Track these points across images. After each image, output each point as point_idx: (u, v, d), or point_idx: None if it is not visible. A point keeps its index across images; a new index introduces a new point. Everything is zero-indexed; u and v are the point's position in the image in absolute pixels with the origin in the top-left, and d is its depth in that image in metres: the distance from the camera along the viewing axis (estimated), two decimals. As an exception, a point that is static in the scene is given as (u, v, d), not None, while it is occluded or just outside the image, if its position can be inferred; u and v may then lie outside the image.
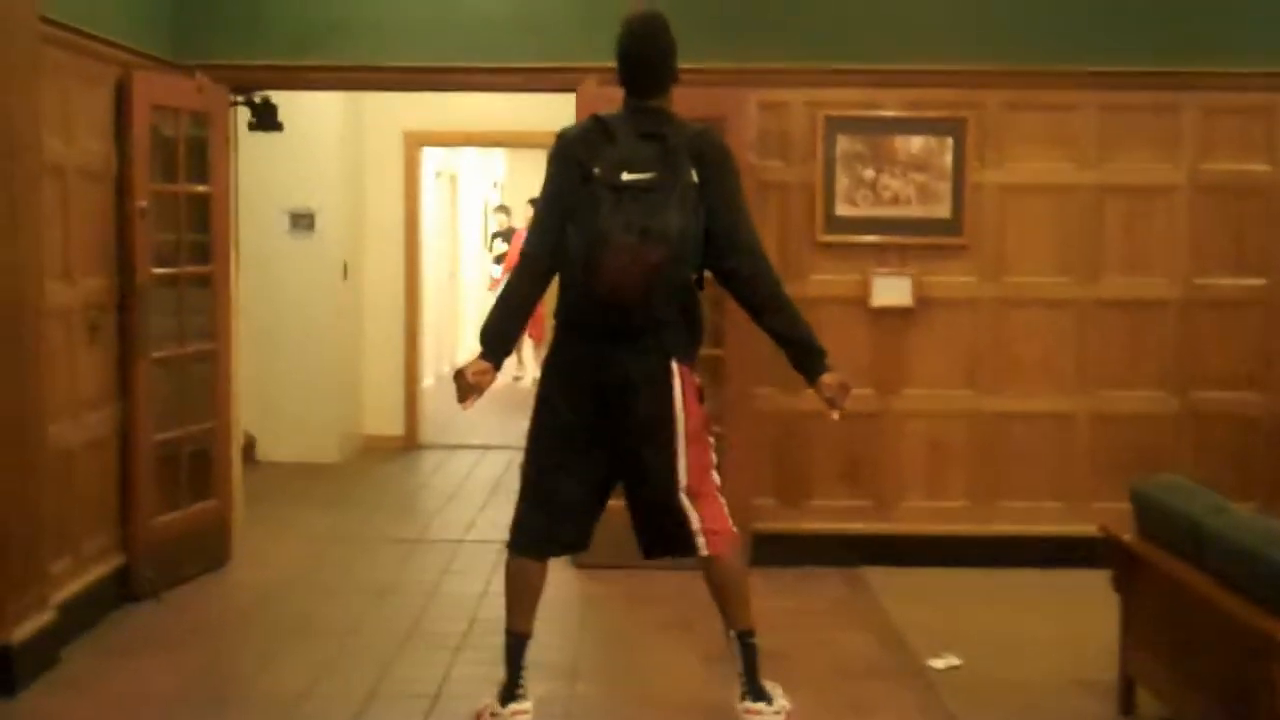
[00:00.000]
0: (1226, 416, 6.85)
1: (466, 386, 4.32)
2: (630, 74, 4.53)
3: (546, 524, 4.52)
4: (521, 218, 14.05)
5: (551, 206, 4.43)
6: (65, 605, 5.35)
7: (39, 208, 5.14)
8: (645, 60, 4.53)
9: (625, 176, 4.30)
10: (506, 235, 14.56)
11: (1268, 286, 6.82)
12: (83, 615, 5.58)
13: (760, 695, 4.56)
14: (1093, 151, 6.80)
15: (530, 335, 12.82)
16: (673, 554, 4.56)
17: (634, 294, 4.26)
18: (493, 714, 4.55)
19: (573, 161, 4.38)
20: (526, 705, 4.59)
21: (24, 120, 4.99)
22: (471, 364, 4.36)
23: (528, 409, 4.63)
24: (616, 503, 6.22)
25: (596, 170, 4.31)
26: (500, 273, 13.89)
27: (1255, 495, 6.51)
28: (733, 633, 4.59)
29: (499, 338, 4.44)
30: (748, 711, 4.54)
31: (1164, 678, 4.49)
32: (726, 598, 4.56)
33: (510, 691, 4.57)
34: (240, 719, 4.81)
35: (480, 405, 4.44)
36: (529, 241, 4.51)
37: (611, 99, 6.50)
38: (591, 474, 4.50)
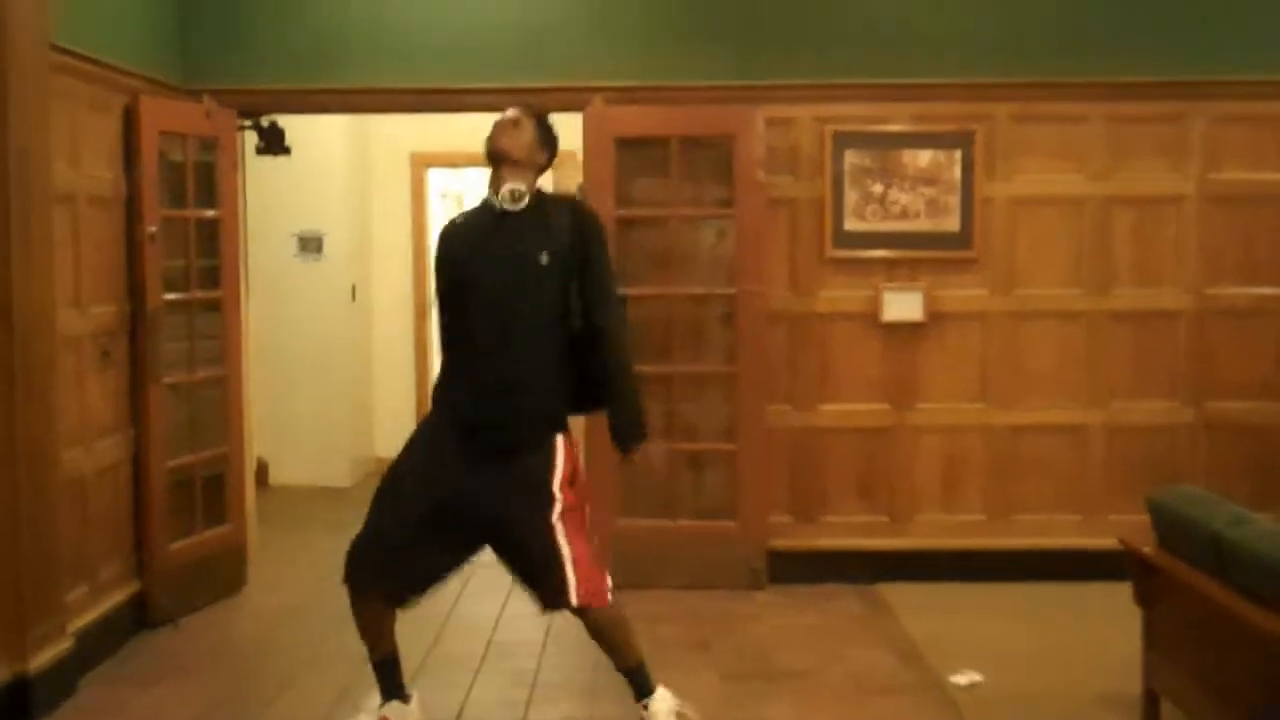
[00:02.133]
0: (1241, 426, 6.83)
1: None
2: None
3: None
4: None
5: None
6: (82, 633, 5.34)
7: (50, 235, 5.14)
8: None
9: None
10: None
11: (1281, 295, 6.82)
12: (100, 643, 5.56)
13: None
14: (1102, 163, 6.79)
15: None
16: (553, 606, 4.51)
17: None
18: (394, 714, 4.65)
19: None
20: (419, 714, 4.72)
21: (36, 149, 5.00)
22: None
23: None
24: (630, 523, 6.23)
25: None
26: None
27: (1272, 505, 6.46)
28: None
29: None
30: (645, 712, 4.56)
31: (1188, 690, 4.45)
32: (604, 643, 4.57)
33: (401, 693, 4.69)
34: (259, 745, 4.80)
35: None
36: None
37: (619, 119, 6.57)
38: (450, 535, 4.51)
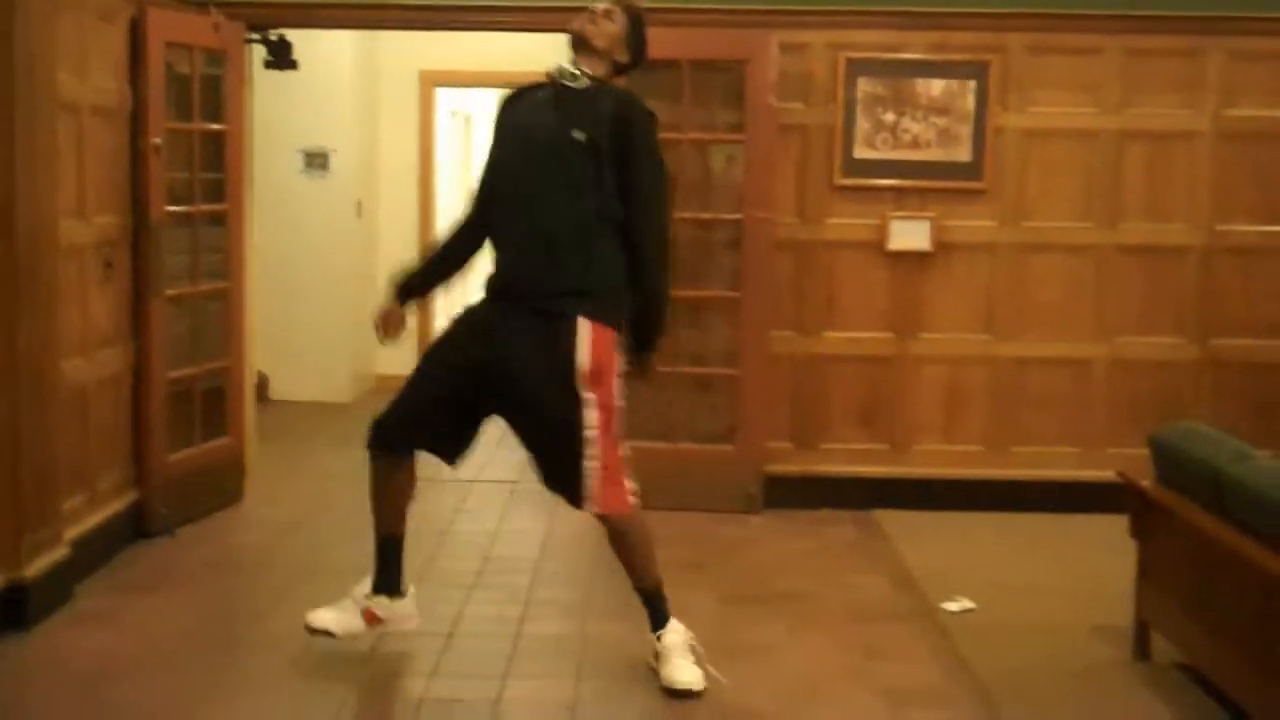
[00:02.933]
0: (1246, 364, 6.81)
1: (378, 330, 4.69)
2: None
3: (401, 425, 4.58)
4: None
5: None
6: (79, 541, 5.36)
7: (54, 145, 5.11)
8: None
9: None
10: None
11: (1291, 233, 6.77)
12: (97, 551, 5.59)
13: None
14: (1116, 96, 6.72)
15: None
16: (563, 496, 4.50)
17: None
18: (380, 609, 4.68)
19: None
20: (411, 606, 4.77)
21: (41, 57, 4.96)
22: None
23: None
24: (632, 445, 6.22)
25: None
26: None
27: (1273, 443, 6.42)
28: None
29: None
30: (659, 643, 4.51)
31: (1180, 623, 4.47)
32: (622, 556, 4.55)
33: (395, 588, 4.70)
34: (253, 656, 4.83)
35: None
36: None
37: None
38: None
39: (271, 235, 8.14)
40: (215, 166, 6.56)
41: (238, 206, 6.70)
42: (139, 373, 6.07)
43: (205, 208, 6.46)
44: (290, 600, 5.31)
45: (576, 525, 6.09)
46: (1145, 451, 4.80)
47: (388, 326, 4.67)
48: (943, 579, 5.64)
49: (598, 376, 4.33)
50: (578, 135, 4.32)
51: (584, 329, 4.32)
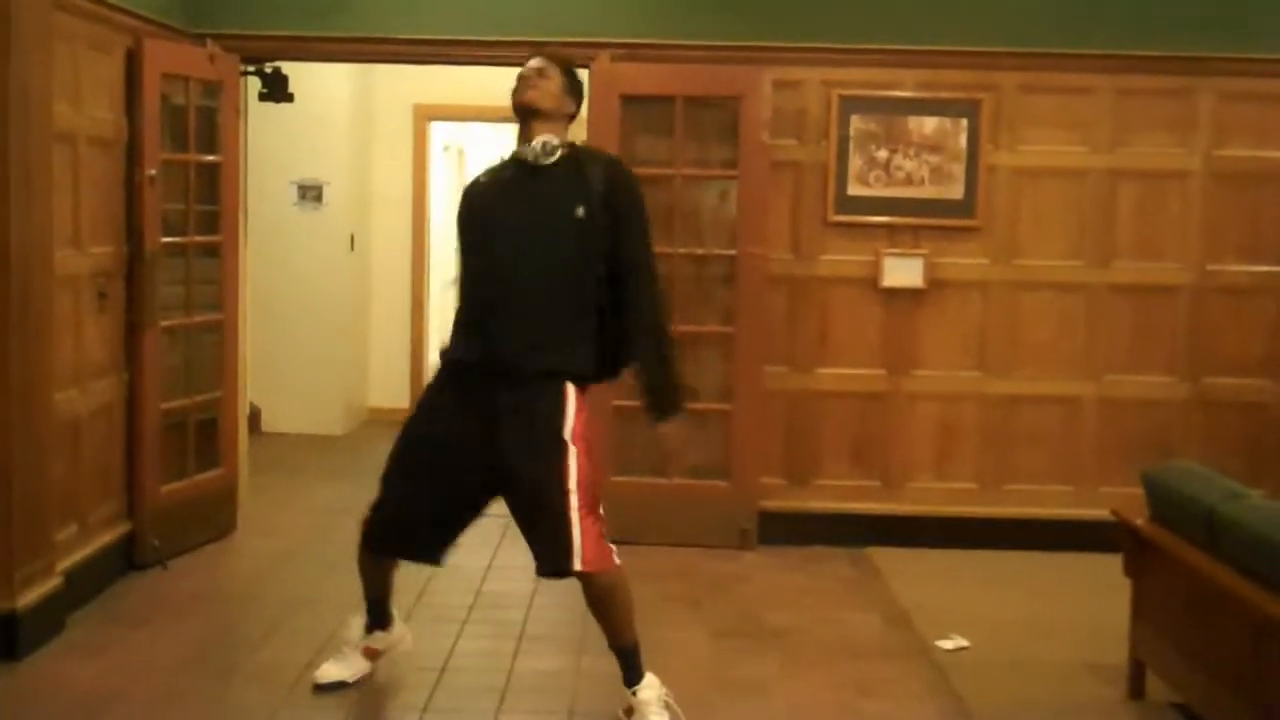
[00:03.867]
0: (1237, 403, 6.83)
1: None
2: None
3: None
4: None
5: None
6: (71, 572, 5.34)
7: (50, 175, 5.11)
8: None
9: None
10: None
11: (1282, 273, 6.81)
12: (89, 582, 5.56)
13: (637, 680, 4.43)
14: (1107, 135, 6.76)
15: None
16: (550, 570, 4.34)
17: None
18: (377, 643, 4.78)
19: None
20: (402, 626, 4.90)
21: (37, 87, 4.96)
22: None
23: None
24: (623, 480, 6.23)
25: None
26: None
27: (1265, 482, 6.47)
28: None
29: None
30: (634, 698, 4.39)
31: (1174, 662, 4.47)
32: (601, 614, 4.37)
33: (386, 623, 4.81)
34: (245, 688, 4.80)
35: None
36: None
37: (625, 76, 6.53)
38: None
39: (265, 267, 8.16)
40: (210, 198, 6.56)
41: (232, 238, 6.70)
42: (132, 404, 6.06)
43: (199, 239, 6.47)
44: (283, 632, 5.30)
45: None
46: (1137, 490, 4.80)
47: None
48: (937, 616, 5.63)
49: (579, 435, 4.30)
50: (579, 212, 4.25)
51: (569, 394, 4.29)
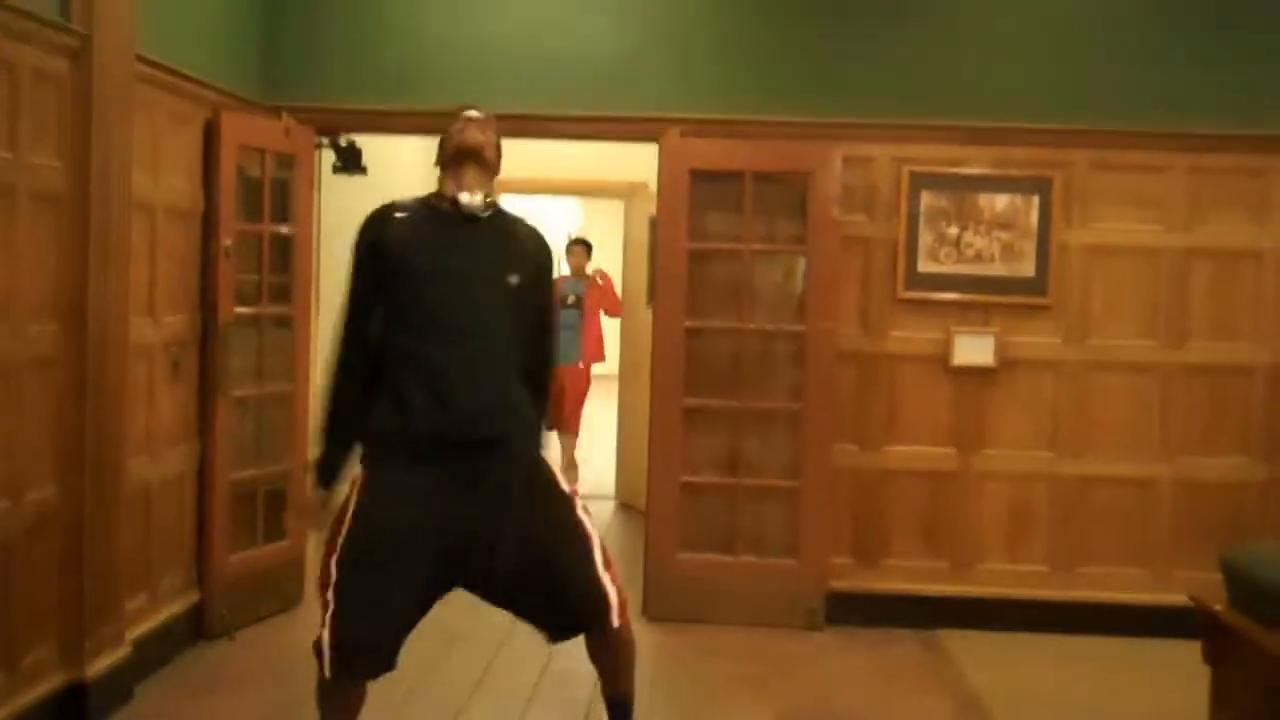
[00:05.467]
0: (1314, 486, 6.72)
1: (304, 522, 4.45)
2: None
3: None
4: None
5: None
6: (140, 641, 5.36)
7: (128, 244, 5.19)
8: None
9: None
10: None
11: (1359, 354, 6.70)
12: (157, 652, 5.59)
13: None
14: (1181, 214, 6.70)
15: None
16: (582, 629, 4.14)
17: None
18: None
19: None
20: None
21: (118, 158, 5.04)
22: None
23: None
24: (693, 557, 6.17)
25: None
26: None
27: (1344, 568, 6.34)
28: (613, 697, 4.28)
29: None
30: None
31: (1256, 754, 4.36)
32: (620, 665, 4.22)
33: None
34: (311, 762, 4.78)
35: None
36: None
37: (694, 151, 6.56)
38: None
39: (334, 337, 8.18)
40: (282, 268, 6.62)
41: (303, 309, 6.75)
42: (202, 473, 6.10)
43: (272, 310, 6.52)
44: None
45: (636, 640, 6.04)
46: (1211, 574, 4.70)
47: (314, 520, 4.37)
48: (1009, 702, 5.54)
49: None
50: (513, 280, 4.08)
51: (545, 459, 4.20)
